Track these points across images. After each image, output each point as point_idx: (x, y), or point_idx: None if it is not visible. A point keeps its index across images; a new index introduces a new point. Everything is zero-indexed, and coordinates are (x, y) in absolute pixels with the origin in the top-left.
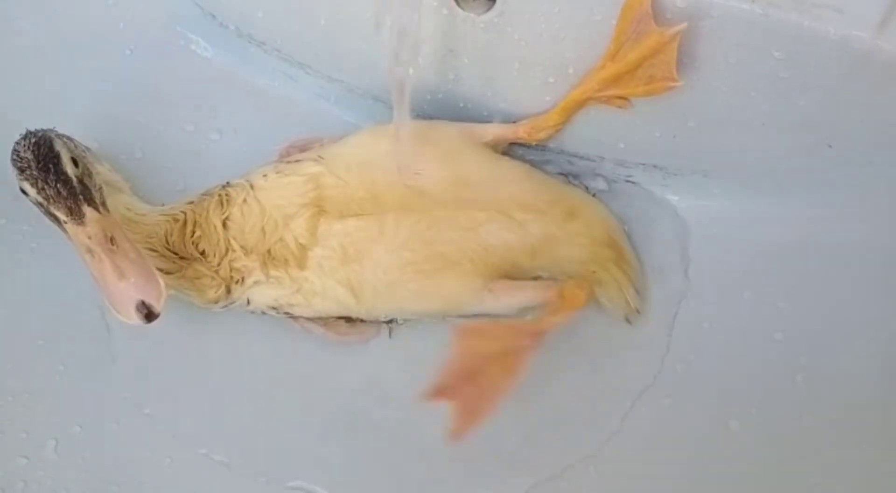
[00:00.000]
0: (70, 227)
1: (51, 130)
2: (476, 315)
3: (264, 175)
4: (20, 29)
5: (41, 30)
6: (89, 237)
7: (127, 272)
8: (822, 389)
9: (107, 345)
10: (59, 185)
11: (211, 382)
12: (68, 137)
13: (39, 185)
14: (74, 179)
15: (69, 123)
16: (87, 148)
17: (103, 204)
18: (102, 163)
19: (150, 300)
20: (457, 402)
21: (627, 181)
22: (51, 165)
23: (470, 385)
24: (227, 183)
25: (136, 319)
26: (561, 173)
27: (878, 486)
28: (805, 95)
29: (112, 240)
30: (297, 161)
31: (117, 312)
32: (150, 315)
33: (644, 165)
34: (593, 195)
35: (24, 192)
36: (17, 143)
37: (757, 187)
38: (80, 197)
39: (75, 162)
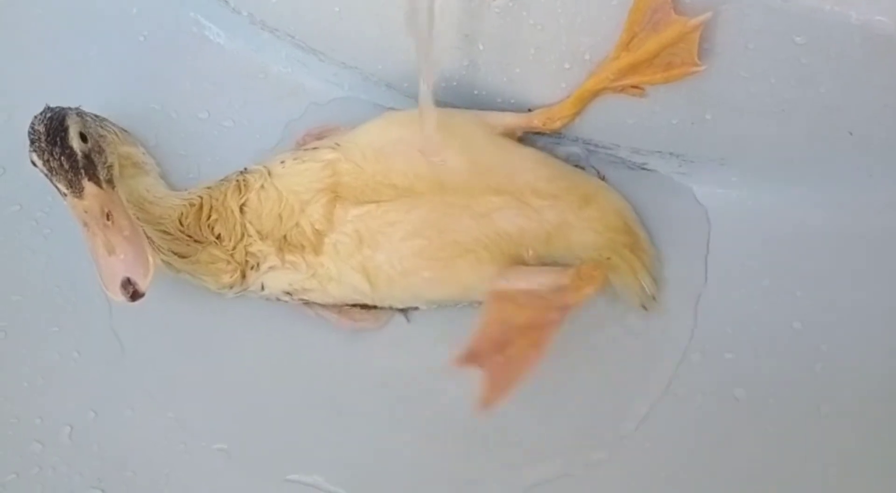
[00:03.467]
0: (69, 199)
1: (73, 108)
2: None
3: (282, 162)
4: (33, 15)
5: (54, 16)
6: (85, 211)
7: (117, 248)
8: (841, 378)
9: (121, 331)
10: (62, 158)
11: (225, 369)
12: (97, 116)
13: (45, 157)
14: (79, 154)
15: (82, 109)
16: (122, 130)
17: (108, 181)
18: (136, 145)
19: (135, 278)
20: (487, 371)
21: (644, 169)
22: (58, 139)
23: (500, 355)
24: (245, 169)
25: (120, 296)
26: (577, 161)
27: None
28: (826, 81)
29: (108, 215)
30: (314, 148)
31: (104, 287)
32: (135, 294)
33: (660, 152)
34: (603, 180)
35: (33, 163)
36: (35, 116)
37: (776, 175)
38: (82, 171)
39: (84, 137)
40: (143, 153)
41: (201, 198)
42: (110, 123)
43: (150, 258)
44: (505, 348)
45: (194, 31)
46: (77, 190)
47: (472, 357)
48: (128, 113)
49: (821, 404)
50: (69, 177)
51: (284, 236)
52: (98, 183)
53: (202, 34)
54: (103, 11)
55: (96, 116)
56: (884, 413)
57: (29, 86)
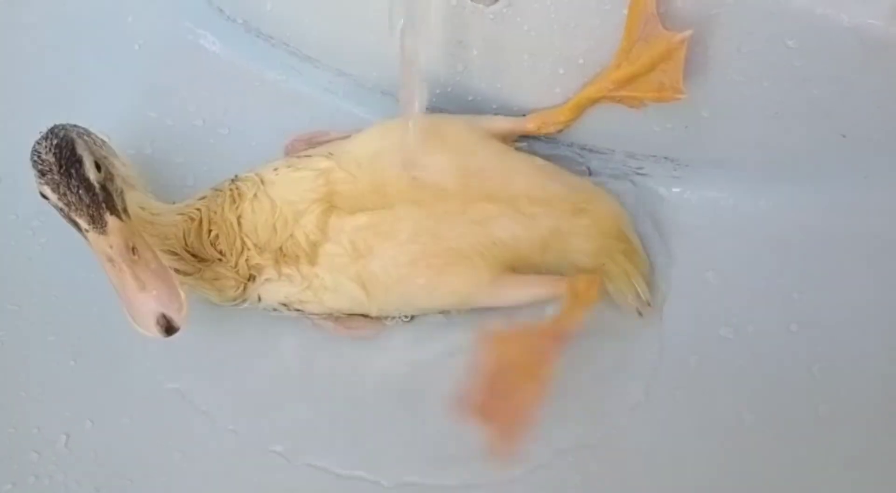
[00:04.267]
0: (91, 235)
1: (71, 128)
2: (487, 309)
3: (275, 169)
4: (28, 24)
5: (49, 25)
6: (111, 246)
7: (148, 284)
8: (838, 380)
9: (118, 340)
10: (81, 191)
11: (222, 377)
12: (86, 131)
13: (61, 190)
14: (97, 185)
15: (77, 118)
16: (103, 141)
17: (125, 210)
18: (117, 156)
19: (170, 313)
20: (493, 423)
21: (638, 173)
22: (73, 170)
23: (502, 401)
24: (236, 176)
25: (155, 332)
26: (571, 166)
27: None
28: (818, 84)
29: (134, 249)
30: (307, 156)
31: (136, 324)
32: (169, 329)
33: (655, 156)
34: (602, 187)
35: (43, 196)
36: (38, 143)
37: (769, 178)
38: (103, 205)
39: (98, 166)
40: (125, 164)
41: (199, 211)
42: (94, 135)
43: (181, 291)
44: (505, 391)
45: (189, 40)
46: (100, 225)
47: (474, 411)
48: (123, 121)
49: (819, 406)
50: (91, 212)
51: (280, 248)
52: (118, 215)
53: (197, 42)
54: (99, 20)
55: (84, 130)
56: (881, 414)
57: (24, 94)
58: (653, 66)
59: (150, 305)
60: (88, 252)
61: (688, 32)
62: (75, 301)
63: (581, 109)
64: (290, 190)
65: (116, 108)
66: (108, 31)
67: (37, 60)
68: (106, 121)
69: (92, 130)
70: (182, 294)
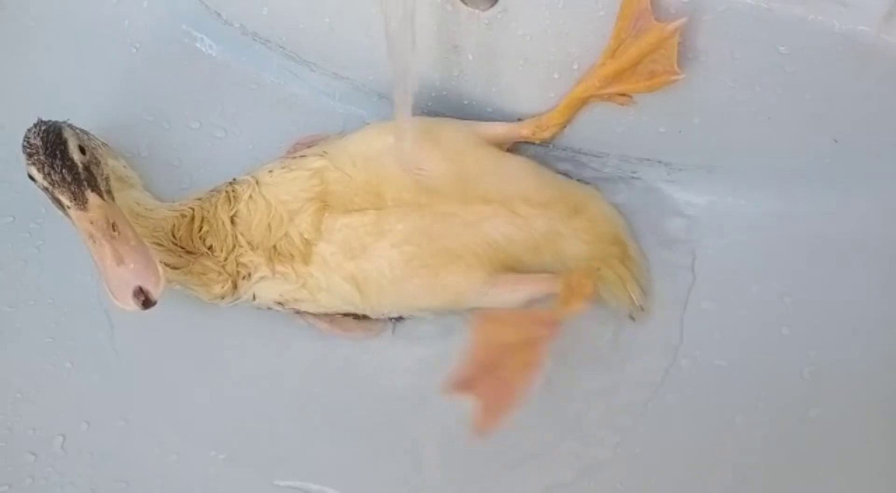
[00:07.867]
0: (73, 212)
1: (63, 122)
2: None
3: (270, 171)
4: (26, 27)
5: (46, 27)
6: (91, 222)
7: (126, 258)
8: (829, 383)
9: (113, 342)
10: (64, 170)
11: (217, 378)
12: (83, 130)
13: (45, 170)
14: (80, 166)
15: (75, 120)
16: (104, 143)
17: (108, 192)
18: (118, 158)
19: (147, 286)
20: (480, 396)
21: (632, 177)
22: (58, 151)
23: (492, 378)
24: (234, 179)
25: (132, 305)
26: (566, 170)
27: (886, 480)
28: (810, 89)
29: (114, 226)
30: (301, 157)
31: (115, 297)
32: (147, 302)
33: (649, 160)
34: (597, 191)
35: (31, 177)
36: (29, 130)
37: (762, 182)
38: (85, 183)
39: (82, 150)
40: (125, 166)
41: (193, 209)
42: (93, 135)
43: (160, 267)
44: (496, 369)
45: (186, 43)
46: (81, 202)
47: (462, 384)
48: (120, 123)
49: (809, 409)
50: (72, 189)
51: (274, 246)
52: (100, 194)
53: (194, 45)
54: (95, 23)
55: (83, 129)
56: (872, 417)
57: (21, 97)
58: (640, 58)
59: (127, 278)
60: (85, 254)
61: (681, 21)
62: (71, 303)
63: (571, 110)
64: (284, 190)
65: (113, 110)
66: (104, 34)
67: (33, 63)
68: (102, 123)
69: (90, 132)
70: (160, 269)
